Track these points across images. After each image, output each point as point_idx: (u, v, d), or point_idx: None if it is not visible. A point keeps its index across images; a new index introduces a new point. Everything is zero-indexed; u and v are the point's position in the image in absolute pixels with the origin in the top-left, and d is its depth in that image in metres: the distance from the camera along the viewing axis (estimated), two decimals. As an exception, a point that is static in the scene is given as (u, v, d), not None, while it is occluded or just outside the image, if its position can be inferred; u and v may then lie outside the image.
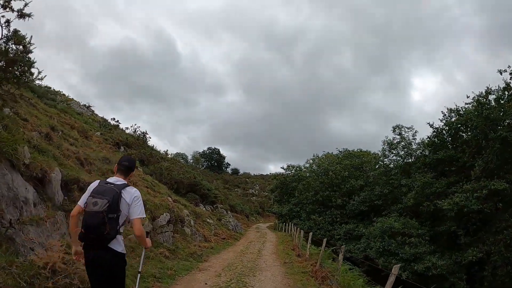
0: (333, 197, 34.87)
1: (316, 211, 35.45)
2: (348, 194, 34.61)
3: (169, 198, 16.30)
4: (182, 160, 69.75)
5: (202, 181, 30.30)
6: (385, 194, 30.69)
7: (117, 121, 36.73)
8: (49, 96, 26.84)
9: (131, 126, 35.78)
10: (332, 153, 42.95)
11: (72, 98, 35.54)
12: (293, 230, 24.06)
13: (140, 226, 3.41)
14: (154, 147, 35.95)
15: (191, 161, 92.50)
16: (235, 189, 77.42)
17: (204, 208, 26.25)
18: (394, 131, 32.81)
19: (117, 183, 3.45)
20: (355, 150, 40.68)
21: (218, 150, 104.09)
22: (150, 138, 36.05)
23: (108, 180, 3.52)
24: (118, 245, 3.34)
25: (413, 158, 31.23)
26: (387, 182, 30.75)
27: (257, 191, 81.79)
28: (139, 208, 3.40)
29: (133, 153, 25.01)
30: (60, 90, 36.32)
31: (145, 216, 3.75)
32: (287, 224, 34.22)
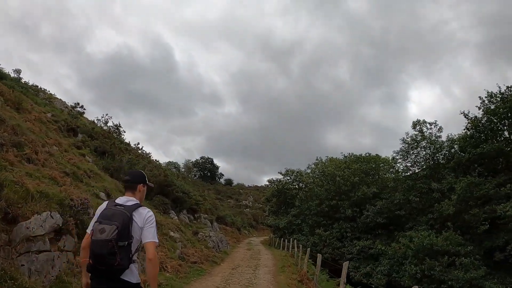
0: (342, 207, 28.69)
1: (322, 224, 29.26)
2: (359, 204, 28.47)
3: (103, 194, 10.18)
4: (174, 169, 65.88)
5: (176, 181, 23.96)
6: (409, 203, 24.58)
7: (83, 108, 31.51)
8: (31, 91, 26.73)
9: (102, 117, 30.44)
10: (336, 158, 36.73)
11: (57, 97, 33.13)
12: (295, 249, 17.87)
13: (154, 250, 2.88)
14: (130, 143, 30.09)
15: (183, 170, 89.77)
16: (228, 200, 74.31)
17: (177, 217, 19.94)
18: (414, 127, 26.79)
19: (127, 204, 2.97)
20: (362, 155, 34.25)
21: (211, 159, 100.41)
22: (125, 132, 30.66)
23: (117, 200, 3.02)
24: (132, 276, 2.89)
25: (441, 157, 25.23)
26: (412, 187, 24.61)
27: (250, 203, 77.89)
28: (152, 231, 2.92)
29: (95, 143, 20.52)
30: (48, 90, 34.43)
31: (157, 240, 2.98)
32: (285, 240, 28.12)
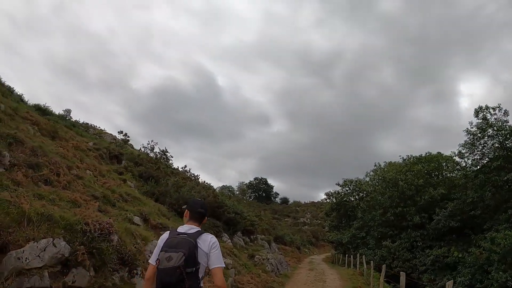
0: (409, 214, 25.97)
1: (388, 235, 26.59)
2: (427, 208, 25.64)
3: (137, 218, 8.95)
4: (228, 193, 65.25)
5: (227, 201, 22.58)
6: (483, 200, 21.63)
7: (127, 136, 31.63)
8: (82, 128, 28.26)
9: (147, 144, 30.23)
10: (395, 162, 33.92)
11: (107, 132, 34.33)
12: (364, 265, 15.74)
13: (222, 276, 2.96)
14: (178, 167, 29.33)
15: (237, 192, 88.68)
16: (285, 219, 72.26)
17: (230, 240, 18.45)
18: (477, 115, 23.68)
19: (190, 231, 3.04)
20: (423, 155, 31.17)
21: (265, 179, 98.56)
22: (172, 157, 30.08)
23: (179, 229, 3.10)
24: None
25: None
26: (485, 182, 21.63)
27: (308, 220, 75.18)
28: (218, 256, 2.99)
29: (140, 169, 20.18)
30: (98, 126, 35.78)
31: (224, 265, 3.09)
32: (349, 255, 25.73)
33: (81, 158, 12.79)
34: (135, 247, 6.58)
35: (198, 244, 2.91)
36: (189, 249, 2.81)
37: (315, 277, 17.83)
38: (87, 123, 34.56)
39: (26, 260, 4.22)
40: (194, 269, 2.81)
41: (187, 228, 3.06)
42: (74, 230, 5.13)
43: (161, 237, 3.08)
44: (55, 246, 4.63)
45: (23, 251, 4.26)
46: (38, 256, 4.35)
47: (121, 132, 33.03)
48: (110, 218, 6.51)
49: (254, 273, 14.39)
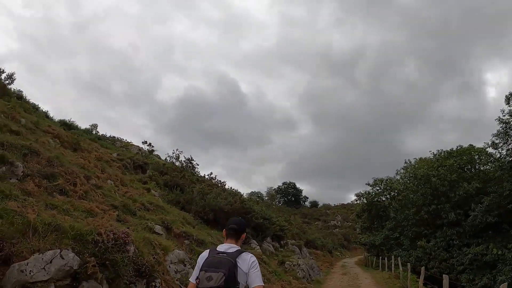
0: (443, 211, 24.79)
1: (423, 234, 25.46)
2: (462, 204, 24.41)
3: (159, 227, 8.62)
4: (257, 199, 65.65)
5: (255, 207, 22.11)
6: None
7: (152, 146, 32.01)
8: (108, 141, 29.47)
9: (172, 153, 30.50)
10: (425, 157, 32.56)
11: (134, 144, 35.36)
12: (400, 268, 14.94)
13: None
14: (205, 175, 29.11)
15: (266, 198, 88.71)
16: (315, 223, 71.40)
17: (259, 247, 17.96)
18: (508, 102, 22.35)
19: (229, 251, 3.04)
20: (454, 149, 29.71)
21: (294, 184, 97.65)
22: (198, 165, 30.17)
23: (219, 248, 3.12)
24: None
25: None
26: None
27: (339, 222, 73.71)
28: (258, 275, 3.00)
29: (165, 178, 20.30)
30: (125, 139, 37.18)
31: (263, 284, 3.10)
32: (384, 258, 24.76)
33: (103, 169, 12.74)
34: (154, 258, 6.23)
35: (238, 264, 2.93)
36: (229, 269, 2.84)
37: (348, 282, 17.14)
38: (114, 137, 35.88)
39: (30, 273, 3.91)
40: None
41: (227, 247, 3.09)
42: (85, 241, 4.81)
43: (201, 255, 3.13)
44: (63, 258, 4.30)
45: (27, 263, 3.96)
46: (44, 268, 4.03)
47: (145, 142, 33.39)
48: (127, 228, 6.18)
49: (285, 280, 13.87)
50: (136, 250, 5.65)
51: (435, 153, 30.51)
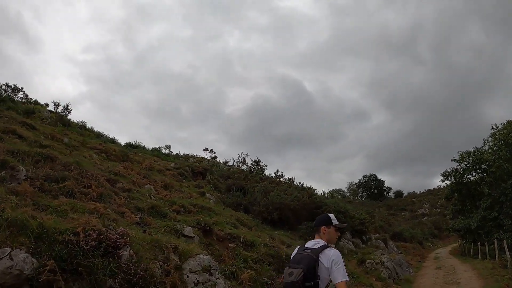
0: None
1: (527, 210, 21.79)
2: None
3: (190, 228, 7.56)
4: (339, 196, 66.05)
5: (326, 200, 20.43)
6: None
7: (213, 152, 32.47)
8: (182, 158, 32.05)
9: (238, 157, 30.63)
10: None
11: (205, 157, 38.12)
12: (507, 255, 12.42)
13: None
14: (272, 175, 28.11)
15: (348, 194, 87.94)
16: (402, 213, 67.73)
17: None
18: None
19: (315, 246, 3.17)
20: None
21: (375, 175, 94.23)
22: (266, 166, 29.68)
23: (307, 244, 3.28)
24: None
25: None
26: None
27: (427, 210, 68.24)
28: (340, 271, 3.01)
29: (228, 182, 21.08)
30: (198, 154, 40.53)
31: (347, 278, 3.11)
32: (481, 243, 21.68)
33: (148, 176, 12.45)
34: (160, 265, 5.06)
35: (320, 259, 3.01)
36: (308, 264, 2.96)
37: (444, 277, 14.63)
38: (187, 154, 40.03)
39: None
40: (312, 283, 2.93)
41: (314, 243, 3.22)
42: (52, 241, 3.73)
43: (293, 252, 3.32)
44: (12, 259, 3.24)
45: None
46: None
47: (206, 149, 34.33)
48: (125, 228, 5.04)
49: (365, 283, 11.92)
50: (133, 256, 4.50)
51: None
